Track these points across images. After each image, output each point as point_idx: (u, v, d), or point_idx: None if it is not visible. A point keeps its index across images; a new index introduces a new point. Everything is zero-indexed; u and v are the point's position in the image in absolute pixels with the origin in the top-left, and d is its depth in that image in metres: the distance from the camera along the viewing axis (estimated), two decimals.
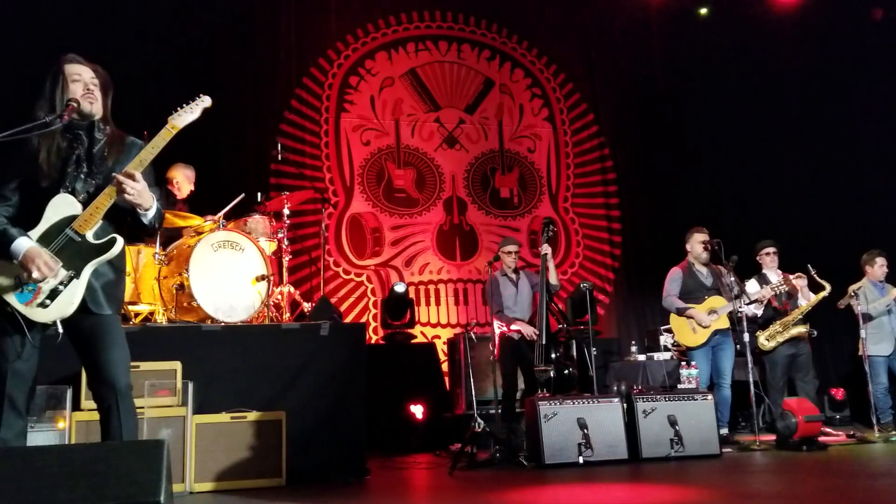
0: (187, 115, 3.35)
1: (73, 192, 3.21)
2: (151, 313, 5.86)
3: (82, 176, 3.24)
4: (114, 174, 3.16)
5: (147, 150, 3.22)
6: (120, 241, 3.22)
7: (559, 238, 9.98)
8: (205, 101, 3.40)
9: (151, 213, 3.25)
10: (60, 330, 3.16)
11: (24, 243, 3.09)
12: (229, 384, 5.19)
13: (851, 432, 7.10)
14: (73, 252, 3.15)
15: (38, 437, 4.55)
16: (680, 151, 10.41)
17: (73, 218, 3.17)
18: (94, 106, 3.30)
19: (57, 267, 3.11)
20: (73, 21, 8.11)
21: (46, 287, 3.11)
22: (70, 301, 3.14)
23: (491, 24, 10.41)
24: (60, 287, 3.12)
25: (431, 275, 9.56)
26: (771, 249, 7.34)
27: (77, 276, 3.15)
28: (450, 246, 9.73)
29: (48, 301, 3.11)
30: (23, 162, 3.20)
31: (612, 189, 10.41)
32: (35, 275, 3.07)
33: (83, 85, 3.28)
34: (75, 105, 3.22)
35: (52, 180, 3.19)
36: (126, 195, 3.12)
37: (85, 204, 3.20)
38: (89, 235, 3.18)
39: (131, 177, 3.12)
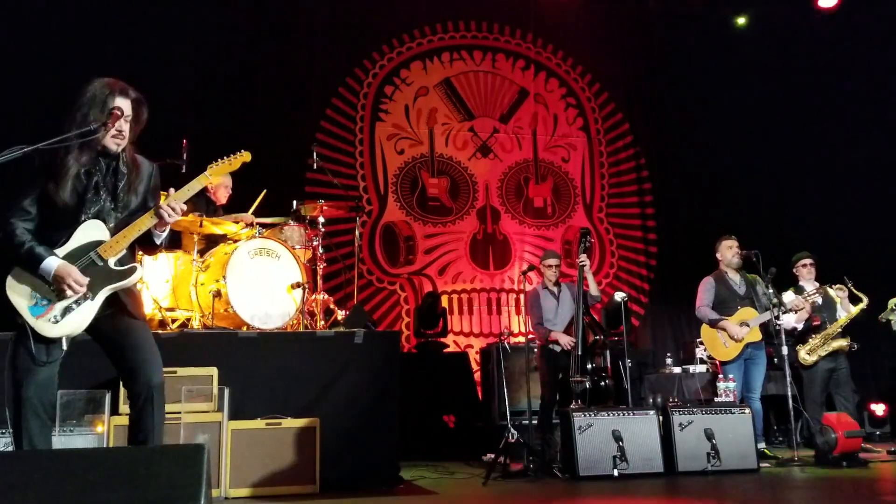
0: (226, 166, 3.58)
1: (99, 218, 3.28)
2: (188, 319, 5.91)
3: (108, 205, 3.31)
4: (160, 205, 3.28)
5: (183, 192, 3.39)
6: (139, 269, 3.35)
7: (594, 248, 9.91)
8: (244, 157, 3.62)
9: (164, 234, 3.43)
10: (65, 347, 3.23)
11: (54, 262, 3.17)
12: (264, 391, 5.23)
13: (892, 448, 6.94)
14: (93, 275, 3.23)
15: (77, 440, 4.63)
16: (717, 160, 10.29)
17: (99, 243, 3.26)
18: (121, 146, 3.32)
19: (86, 282, 3.19)
20: (112, 33, 8.22)
21: (60, 305, 3.19)
22: (80, 322, 3.22)
23: (525, 34, 10.41)
24: (73, 306, 3.21)
25: (464, 284, 9.55)
26: (808, 261, 7.09)
27: (92, 298, 3.24)
28: (483, 255, 9.71)
29: (59, 317, 3.18)
30: (42, 178, 3.21)
31: (648, 199, 10.35)
32: (67, 293, 3.17)
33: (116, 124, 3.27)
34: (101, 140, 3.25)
35: (71, 202, 3.22)
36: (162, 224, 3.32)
37: (111, 232, 3.29)
38: (111, 261, 3.28)
39: (174, 209, 3.27)
